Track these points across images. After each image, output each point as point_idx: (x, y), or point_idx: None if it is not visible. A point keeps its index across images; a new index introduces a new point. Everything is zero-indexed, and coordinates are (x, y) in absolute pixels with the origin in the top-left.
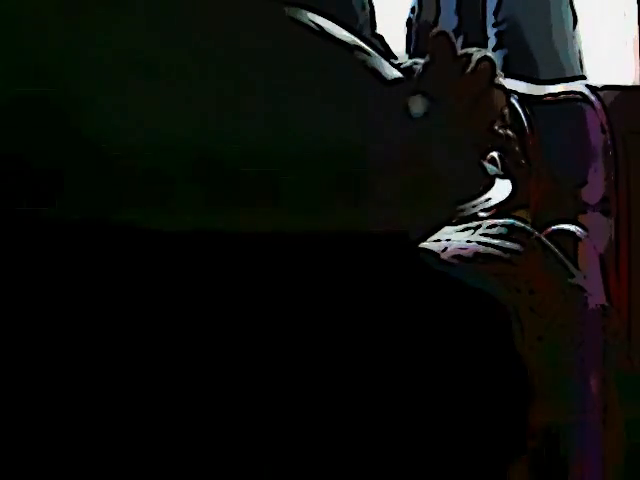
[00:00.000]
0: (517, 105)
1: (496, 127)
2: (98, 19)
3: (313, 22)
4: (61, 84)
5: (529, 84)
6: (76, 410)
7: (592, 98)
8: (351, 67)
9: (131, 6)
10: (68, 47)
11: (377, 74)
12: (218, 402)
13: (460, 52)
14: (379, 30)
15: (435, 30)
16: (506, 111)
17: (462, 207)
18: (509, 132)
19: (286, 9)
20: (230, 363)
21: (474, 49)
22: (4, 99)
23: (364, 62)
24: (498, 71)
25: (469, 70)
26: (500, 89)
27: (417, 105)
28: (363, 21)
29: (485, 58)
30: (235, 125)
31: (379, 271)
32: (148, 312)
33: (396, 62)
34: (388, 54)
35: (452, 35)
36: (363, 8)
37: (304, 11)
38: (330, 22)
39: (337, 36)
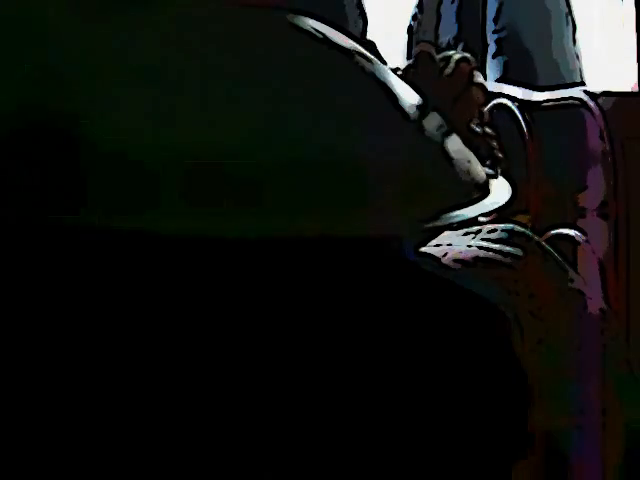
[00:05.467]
0: (517, 111)
1: (473, 125)
2: (108, 26)
3: (314, 29)
4: (67, 89)
5: (529, 90)
6: (80, 411)
7: (591, 104)
8: (351, 73)
9: (138, 15)
10: (75, 53)
11: (377, 81)
12: (213, 406)
13: (439, 56)
14: (382, 37)
15: (418, 48)
16: (485, 109)
17: (458, 213)
18: (487, 130)
19: (287, 16)
20: (223, 368)
21: (452, 52)
22: (10, 105)
23: (364, 68)
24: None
25: (448, 72)
26: (479, 87)
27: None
28: (356, 31)
29: (464, 59)
30: (235, 131)
31: (378, 276)
32: (146, 316)
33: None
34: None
35: (431, 47)
36: (358, 19)
37: (305, 18)
38: (331, 29)
39: (338, 43)
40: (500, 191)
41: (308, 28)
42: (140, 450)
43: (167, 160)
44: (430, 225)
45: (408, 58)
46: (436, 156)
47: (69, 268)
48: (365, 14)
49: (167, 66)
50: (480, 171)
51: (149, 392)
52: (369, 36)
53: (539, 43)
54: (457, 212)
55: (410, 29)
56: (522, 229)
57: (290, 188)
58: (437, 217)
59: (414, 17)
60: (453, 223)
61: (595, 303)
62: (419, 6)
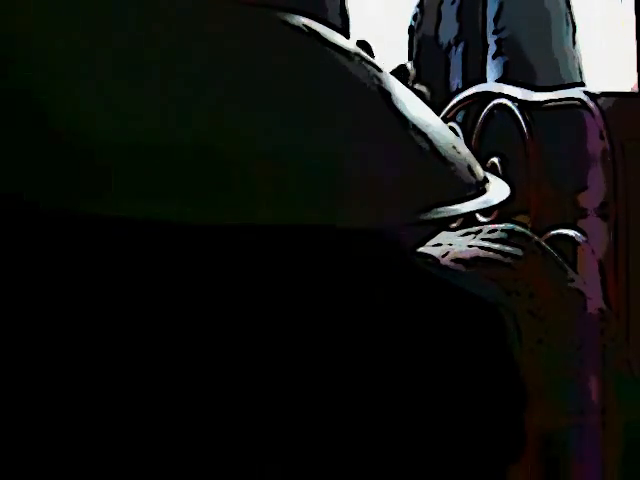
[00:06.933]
0: (517, 111)
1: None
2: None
3: (311, 28)
4: (46, 78)
5: (529, 90)
6: (78, 409)
7: (591, 105)
8: (347, 72)
9: (128, 10)
10: (59, 45)
11: (374, 79)
12: (212, 401)
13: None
14: (382, 36)
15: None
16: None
17: (452, 208)
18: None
19: (283, 15)
20: (215, 361)
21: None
22: None
23: (361, 67)
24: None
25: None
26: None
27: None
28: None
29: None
30: (227, 125)
31: (377, 275)
32: (133, 306)
33: None
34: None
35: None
36: (340, 18)
37: (301, 17)
38: (328, 29)
39: (336, 42)
40: (497, 190)
41: (302, 26)
42: (138, 445)
43: (130, 145)
44: (424, 217)
45: (409, 58)
46: (434, 154)
47: (34, 254)
48: (348, 16)
49: (140, 55)
50: (478, 170)
51: (115, 390)
52: (367, 36)
53: (539, 43)
54: (451, 207)
55: (411, 29)
56: (522, 229)
57: (282, 181)
58: (431, 210)
59: (414, 17)
60: (446, 218)
61: (595, 303)
62: (419, 6)
